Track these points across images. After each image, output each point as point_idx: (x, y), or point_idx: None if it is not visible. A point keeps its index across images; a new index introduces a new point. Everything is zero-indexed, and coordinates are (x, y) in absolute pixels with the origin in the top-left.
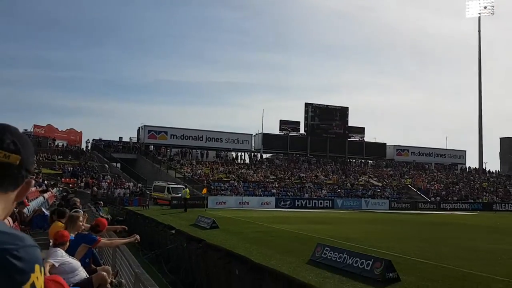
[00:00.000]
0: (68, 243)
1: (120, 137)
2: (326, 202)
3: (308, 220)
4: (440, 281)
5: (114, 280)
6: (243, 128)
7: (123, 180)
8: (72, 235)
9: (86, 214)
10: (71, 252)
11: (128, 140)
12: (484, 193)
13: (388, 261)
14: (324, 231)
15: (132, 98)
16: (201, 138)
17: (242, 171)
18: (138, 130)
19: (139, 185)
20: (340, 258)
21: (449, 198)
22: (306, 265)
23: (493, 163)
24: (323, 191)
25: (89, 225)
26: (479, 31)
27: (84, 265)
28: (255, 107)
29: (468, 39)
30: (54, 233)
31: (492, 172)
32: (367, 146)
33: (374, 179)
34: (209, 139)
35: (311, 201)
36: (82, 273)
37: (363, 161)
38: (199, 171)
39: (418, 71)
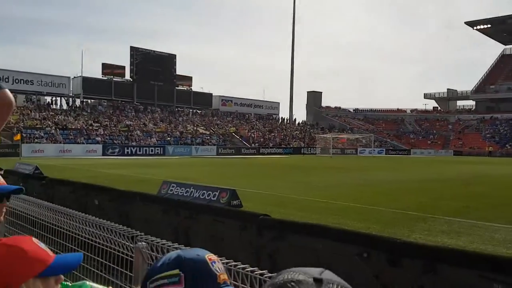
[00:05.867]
0: None
1: None
2: (157, 149)
3: (142, 165)
4: (273, 205)
5: None
6: (59, 71)
7: None
8: None
9: None
10: None
11: None
12: (294, 140)
13: (233, 190)
14: (161, 174)
15: None
16: (7, 79)
17: (60, 117)
18: None
19: None
20: (187, 192)
21: (266, 144)
22: None
23: (300, 114)
24: (152, 139)
25: None
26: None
27: None
28: (73, 49)
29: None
30: None
31: (300, 122)
32: (194, 96)
33: (202, 127)
34: (17, 81)
35: (141, 148)
36: None
37: (191, 110)
38: None
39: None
